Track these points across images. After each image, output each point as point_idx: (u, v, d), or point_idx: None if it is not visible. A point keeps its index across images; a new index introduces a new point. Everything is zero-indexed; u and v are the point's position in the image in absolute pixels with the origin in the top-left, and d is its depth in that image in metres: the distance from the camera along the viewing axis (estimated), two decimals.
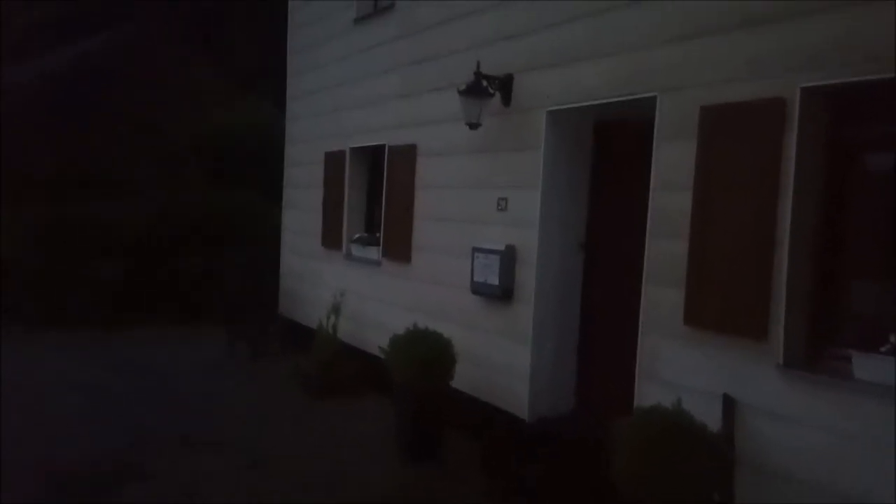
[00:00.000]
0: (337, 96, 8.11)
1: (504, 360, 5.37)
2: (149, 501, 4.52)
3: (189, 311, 10.14)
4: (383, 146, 7.08)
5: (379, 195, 7.29)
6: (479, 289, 5.53)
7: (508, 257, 5.28)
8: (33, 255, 10.23)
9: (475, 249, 5.55)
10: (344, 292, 7.41)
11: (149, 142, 12.62)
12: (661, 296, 4.12)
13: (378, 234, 7.26)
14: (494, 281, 5.33)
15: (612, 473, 3.48)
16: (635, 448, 3.42)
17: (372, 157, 7.64)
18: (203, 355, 8.56)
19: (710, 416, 3.62)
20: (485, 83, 5.25)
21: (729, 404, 3.68)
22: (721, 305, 3.76)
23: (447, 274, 6.02)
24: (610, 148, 5.13)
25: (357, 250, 7.73)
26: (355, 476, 4.95)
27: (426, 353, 5.08)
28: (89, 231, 10.59)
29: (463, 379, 5.41)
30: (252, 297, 9.44)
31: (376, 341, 5.85)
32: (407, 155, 6.61)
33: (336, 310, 7.28)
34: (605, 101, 4.59)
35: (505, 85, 5.33)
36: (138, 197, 11.39)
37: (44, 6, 14.87)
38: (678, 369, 4.01)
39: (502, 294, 5.32)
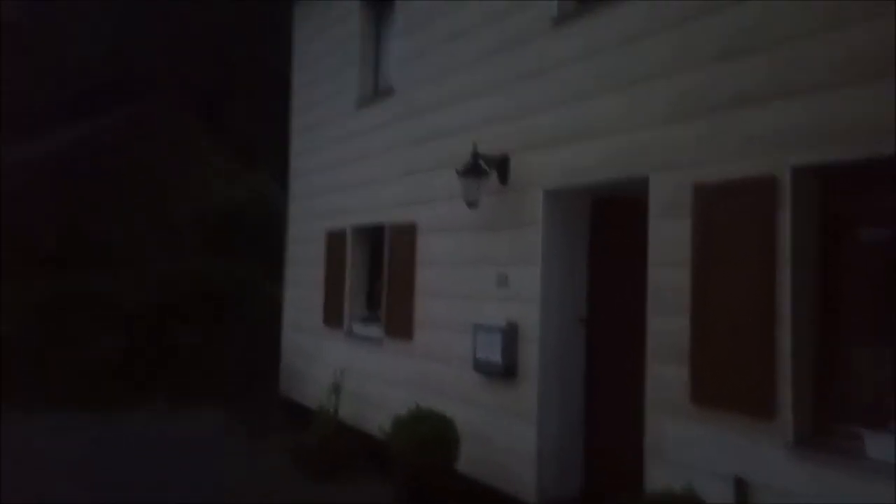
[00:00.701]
0: (338, 175, 8.27)
1: (508, 440, 5.25)
2: None
3: (188, 388, 10.01)
4: (384, 224, 7.17)
5: (380, 272, 7.32)
6: (481, 366, 5.48)
7: (510, 334, 5.26)
8: (32, 333, 10.21)
9: (476, 326, 5.53)
10: (344, 370, 7.34)
11: (152, 217, 12.82)
12: (666, 372, 4.07)
13: (379, 312, 7.25)
14: (497, 358, 5.28)
15: None
16: None
17: (373, 234, 7.73)
18: (201, 434, 8.38)
19: (721, 497, 3.51)
20: (482, 163, 5.37)
21: (741, 488, 3.58)
22: (727, 383, 3.71)
23: (449, 351, 5.97)
24: (607, 224, 5.19)
25: (358, 328, 7.70)
26: None
27: (428, 434, 4.99)
28: (90, 306, 10.60)
29: (466, 459, 5.28)
30: (251, 374, 9.35)
31: (377, 420, 5.75)
32: (407, 232, 6.68)
33: (336, 388, 7.19)
34: (599, 179, 4.69)
35: (502, 165, 5.46)
36: (140, 271, 11.47)
37: (50, 85, 15.39)
38: (687, 449, 3.92)
39: (505, 371, 5.27)
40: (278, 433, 8.21)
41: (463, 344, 5.71)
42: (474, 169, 5.33)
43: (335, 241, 8.16)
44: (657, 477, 3.99)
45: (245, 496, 6.33)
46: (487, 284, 5.60)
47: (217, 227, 13.06)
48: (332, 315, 8.10)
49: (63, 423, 8.80)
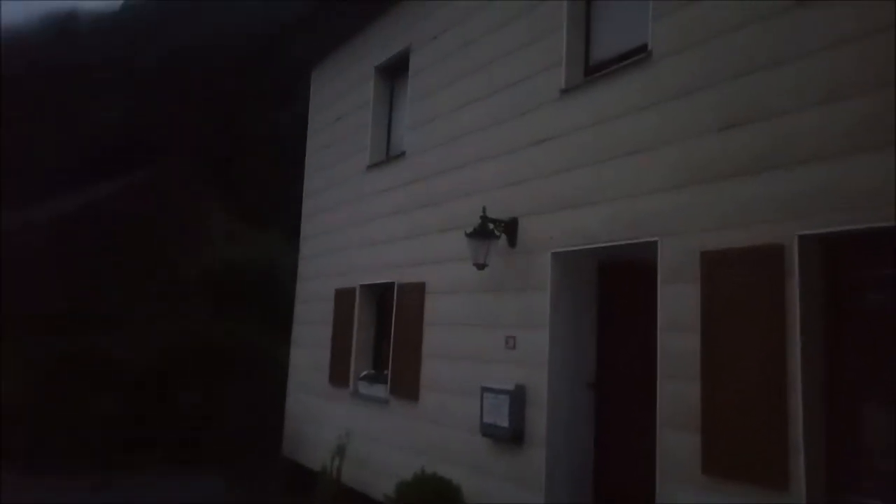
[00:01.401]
0: (348, 236, 8.37)
1: None
2: None
3: (189, 450, 9.84)
4: (392, 284, 7.20)
5: (388, 332, 7.31)
6: (488, 430, 5.40)
7: (518, 397, 5.20)
8: (33, 394, 10.15)
9: (484, 389, 5.48)
10: (349, 432, 7.23)
11: (158, 278, 12.90)
12: (677, 441, 4.01)
13: (386, 372, 7.21)
14: (504, 423, 5.21)
15: None
16: None
17: (381, 294, 7.76)
18: (201, 500, 8.20)
19: None
20: (491, 226, 5.45)
21: None
22: (739, 453, 3.65)
23: (455, 414, 5.90)
24: (616, 288, 5.21)
25: (364, 388, 7.63)
26: None
27: (433, 502, 4.87)
28: (92, 367, 10.56)
29: None
30: (254, 436, 9.21)
31: (382, 485, 5.63)
32: (415, 293, 6.71)
33: (341, 451, 7.07)
34: (607, 244, 4.73)
35: (510, 228, 5.53)
36: (143, 332, 11.47)
37: (59, 148, 15.78)
38: None
39: (512, 436, 5.19)
40: (280, 498, 8.04)
41: (470, 407, 5.65)
42: (483, 231, 5.40)
43: (343, 300, 8.18)
44: None
45: None
46: (495, 347, 5.58)
47: (223, 287, 13.12)
48: (339, 374, 8.05)
49: (62, 485, 8.65)
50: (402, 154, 7.45)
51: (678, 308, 4.12)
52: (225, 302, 12.73)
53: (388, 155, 7.93)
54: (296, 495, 7.54)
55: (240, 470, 8.52)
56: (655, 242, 4.32)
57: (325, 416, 8.24)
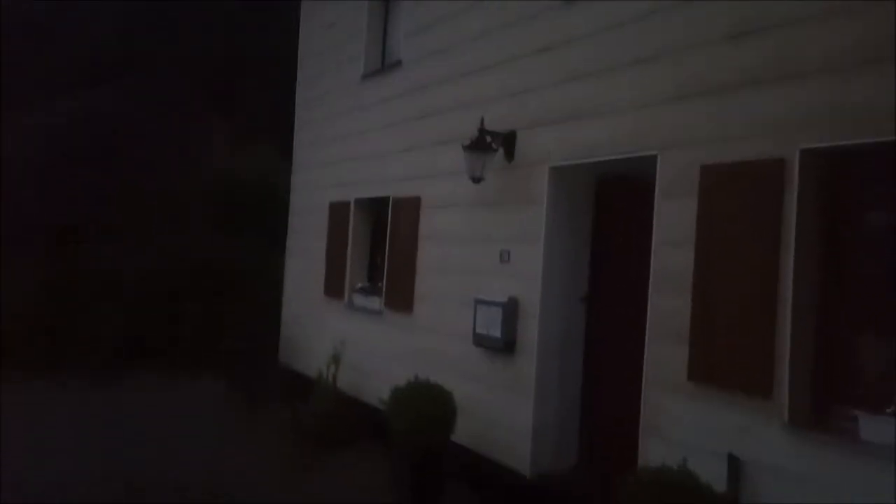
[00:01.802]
0: (343, 148, 8.25)
1: (505, 414, 5.32)
2: None
3: (189, 359, 10.07)
4: (387, 198, 7.17)
5: (382, 245, 7.34)
6: (481, 340, 5.53)
7: (511, 309, 5.29)
8: (36, 302, 10.25)
9: (477, 301, 5.57)
10: (344, 342, 7.39)
11: (153, 190, 12.78)
12: (665, 351, 4.11)
13: (380, 284, 7.29)
14: (497, 333, 5.33)
15: None
16: None
17: (376, 207, 7.73)
18: (201, 403, 8.46)
19: (714, 474, 3.57)
20: (488, 139, 5.37)
21: (734, 464, 3.64)
22: (725, 362, 3.76)
23: (449, 325, 6.02)
24: (612, 203, 5.20)
25: (359, 300, 7.74)
26: None
27: (427, 406, 5.04)
28: (92, 279, 10.63)
29: (463, 432, 5.35)
30: (252, 345, 9.40)
31: (376, 391, 5.80)
32: (411, 206, 6.69)
33: (336, 359, 7.25)
34: (606, 158, 4.69)
35: (508, 141, 5.45)
36: (140, 245, 11.47)
37: (54, 55, 15.24)
38: (682, 426, 3.97)
39: (504, 346, 5.31)
40: (278, 402, 8.30)
41: (463, 318, 5.75)
42: (480, 144, 5.33)
43: (338, 213, 8.17)
44: (652, 453, 4.05)
45: (245, 460, 6.42)
46: (489, 260, 5.62)
47: (218, 200, 13.04)
48: (333, 286, 8.14)
49: (63, 387, 8.88)
50: (399, 63, 7.24)
51: (674, 223, 4.13)
52: (221, 216, 12.70)
53: (384, 64, 7.71)
54: (293, 399, 7.78)
55: (238, 377, 8.76)
56: (655, 156, 4.28)
57: (320, 326, 8.39)
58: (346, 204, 8.00)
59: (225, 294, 10.59)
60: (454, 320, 5.93)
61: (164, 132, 13.75)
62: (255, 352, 9.28)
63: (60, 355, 9.67)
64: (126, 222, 11.89)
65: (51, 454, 6.37)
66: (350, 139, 8.09)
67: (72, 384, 8.98)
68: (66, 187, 12.08)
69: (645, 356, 4.25)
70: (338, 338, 7.51)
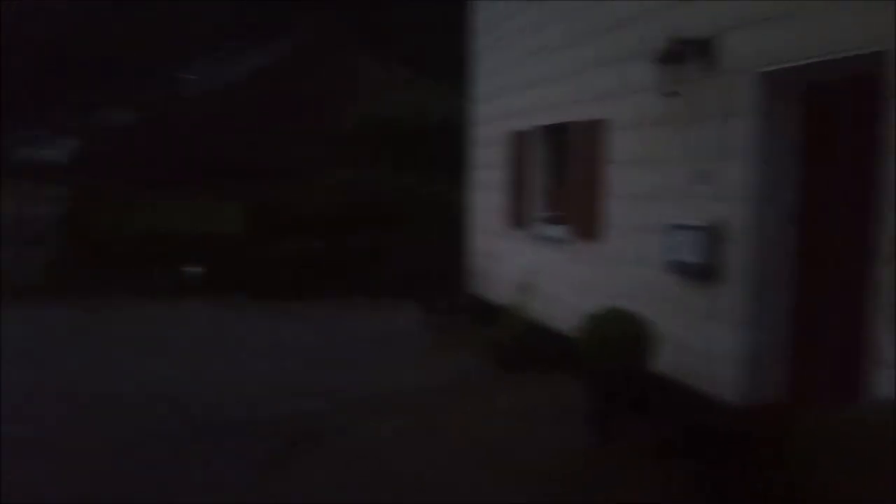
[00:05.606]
0: (521, 73, 8.11)
1: (705, 344, 5.08)
2: (330, 460, 4.94)
3: (378, 287, 10.89)
4: (570, 122, 6.96)
5: (566, 172, 7.20)
6: (677, 267, 5.27)
7: (710, 234, 4.96)
8: (235, 237, 11.72)
9: (672, 226, 5.29)
10: (531, 270, 7.46)
11: (322, 132, 13.67)
12: None
13: (564, 213, 7.19)
14: (697, 259, 5.04)
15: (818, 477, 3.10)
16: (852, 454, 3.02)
17: (558, 133, 7.55)
18: (395, 327, 9.15)
19: None
20: (682, 48, 4.94)
21: None
22: None
23: (640, 253, 5.81)
24: (827, 112, 4.58)
25: (543, 229, 7.72)
26: (533, 450, 4.96)
27: (622, 332, 4.96)
28: (272, 215, 11.88)
29: (661, 360, 5.21)
30: (438, 275, 9.89)
31: (564, 320, 5.83)
32: (595, 130, 6.44)
33: (524, 287, 7.36)
34: (820, 58, 4.11)
35: (704, 48, 4.97)
36: (312, 184, 12.49)
37: (223, 15, 16.49)
38: None
39: (703, 273, 5.03)
40: (468, 328, 8.69)
41: (656, 245, 5.51)
42: (673, 54, 4.93)
43: (519, 142, 8.12)
44: (881, 385, 3.66)
45: (439, 382, 6.85)
46: (685, 182, 5.28)
47: (399, 135, 13.54)
48: (517, 217, 8.19)
49: (271, 309, 10.09)
50: None
51: None
52: (402, 150, 13.23)
53: None
54: (484, 326, 8.09)
55: (427, 304, 9.29)
56: (884, 52, 3.66)
57: (505, 256, 8.53)
58: (527, 132, 7.91)
59: (415, 226, 11.17)
60: (645, 247, 5.70)
61: (325, 75, 14.59)
62: (442, 282, 9.75)
63: (265, 282, 10.94)
64: (297, 164, 12.93)
65: (251, 366, 7.36)
66: (529, 62, 7.91)
67: (277, 307, 10.17)
68: (244, 135, 13.41)
69: (875, 281, 3.78)
70: (524, 267, 7.60)
